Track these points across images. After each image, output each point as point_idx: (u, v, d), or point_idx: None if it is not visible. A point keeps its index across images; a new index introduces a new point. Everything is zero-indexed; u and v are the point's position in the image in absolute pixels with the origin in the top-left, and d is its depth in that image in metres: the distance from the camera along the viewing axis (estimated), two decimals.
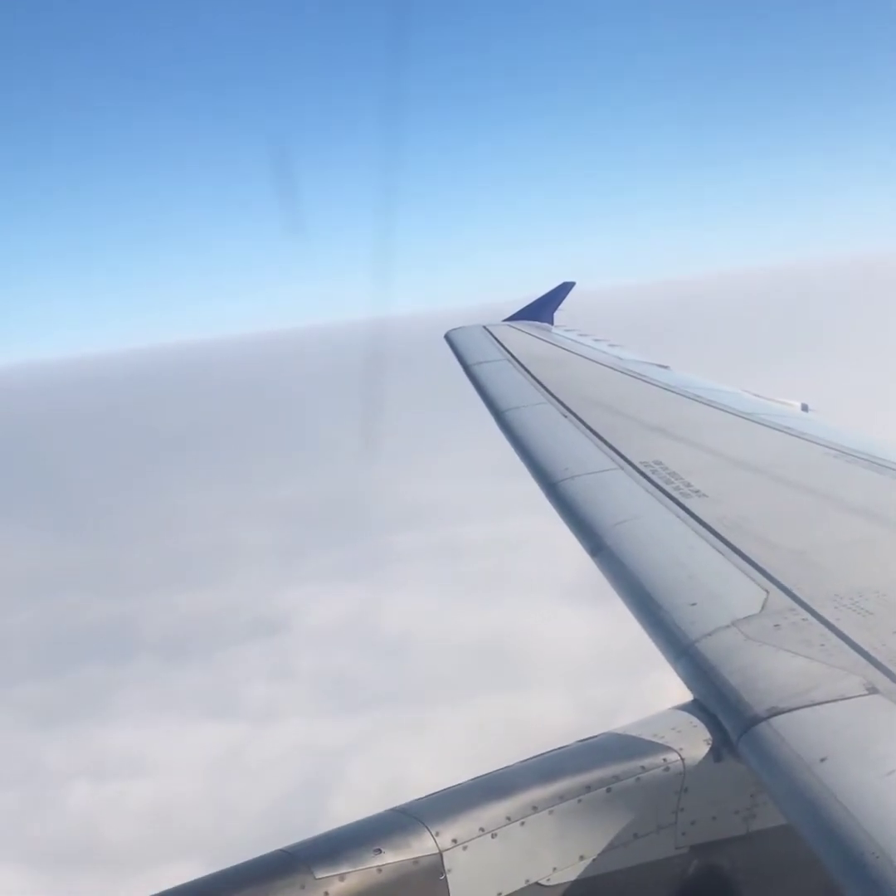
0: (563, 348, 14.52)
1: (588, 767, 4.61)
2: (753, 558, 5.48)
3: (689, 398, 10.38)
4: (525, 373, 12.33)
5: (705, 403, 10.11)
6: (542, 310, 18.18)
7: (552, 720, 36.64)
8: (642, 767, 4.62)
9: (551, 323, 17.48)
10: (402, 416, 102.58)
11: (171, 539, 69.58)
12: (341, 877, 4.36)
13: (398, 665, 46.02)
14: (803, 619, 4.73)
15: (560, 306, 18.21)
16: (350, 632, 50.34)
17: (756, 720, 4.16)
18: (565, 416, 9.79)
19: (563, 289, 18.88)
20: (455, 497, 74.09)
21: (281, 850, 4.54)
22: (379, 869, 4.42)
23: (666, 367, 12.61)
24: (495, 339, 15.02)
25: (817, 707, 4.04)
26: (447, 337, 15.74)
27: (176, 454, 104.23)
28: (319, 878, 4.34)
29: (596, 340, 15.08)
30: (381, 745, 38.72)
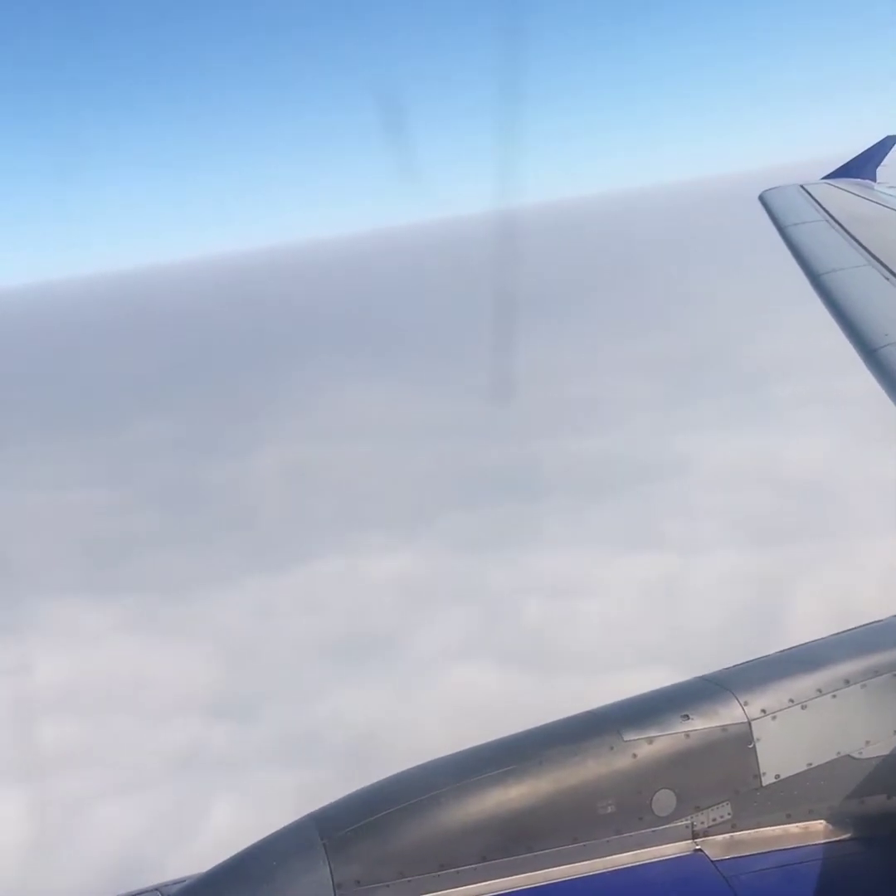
0: (887, 207, 13.71)
1: None
2: None
3: None
4: (844, 233, 11.62)
5: None
6: (863, 166, 17.07)
7: None
8: None
9: (874, 180, 16.45)
10: (725, 278, 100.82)
11: (553, 391, 71.74)
12: (649, 740, 4.54)
13: (813, 503, 46.11)
14: None
15: (883, 162, 17.08)
16: (753, 473, 50.76)
17: None
18: (888, 280, 9.24)
19: (887, 143, 17.59)
20: (808, 351, 72.24)
21: (589, 712, 4.77)
22: (687, 734, 4.57)
23: None
24: (813, 198, 14.16)
25: None
26: (761, 198, 14.92)
27: (534, 313, 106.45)
28: (628, 740, 4.54)
29: None
30: (820, 574, 39.25)
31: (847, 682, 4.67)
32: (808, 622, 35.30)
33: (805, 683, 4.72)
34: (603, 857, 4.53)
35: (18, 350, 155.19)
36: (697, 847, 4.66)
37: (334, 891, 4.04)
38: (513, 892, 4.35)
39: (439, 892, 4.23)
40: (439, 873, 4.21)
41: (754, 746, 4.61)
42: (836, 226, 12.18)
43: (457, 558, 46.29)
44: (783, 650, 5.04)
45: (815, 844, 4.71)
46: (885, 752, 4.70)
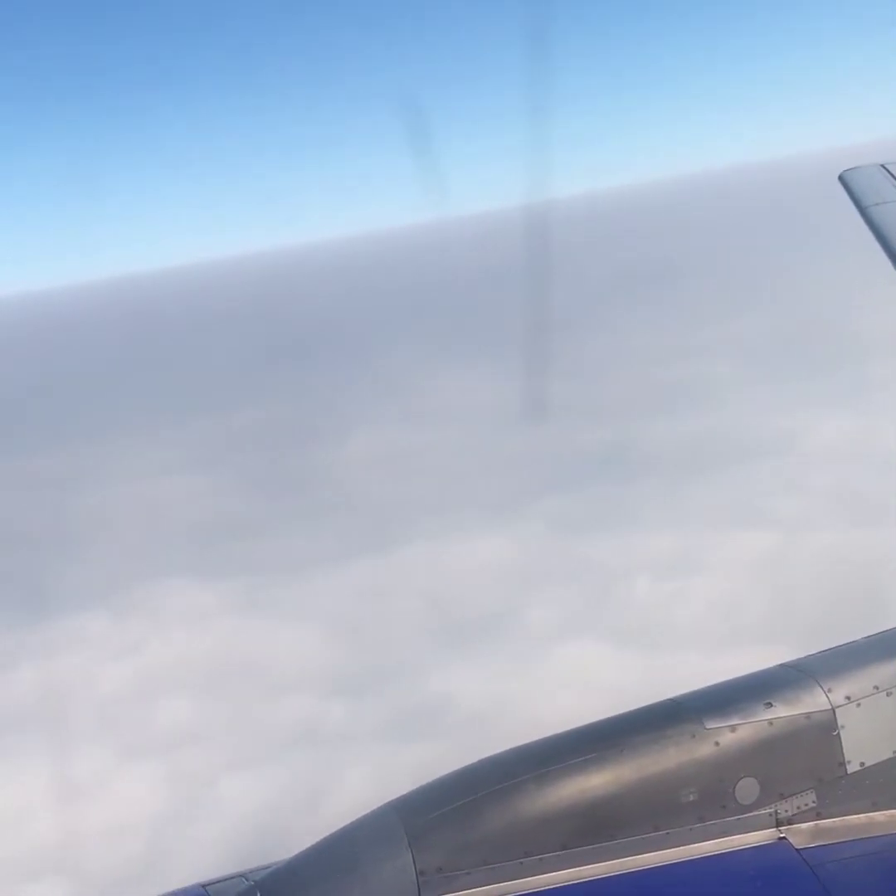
0: None
1: None
2: None
3: None
4: None
5: None
6: None
7: None
8: None
9: None
10: (805, 259, 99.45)
11: (642, 374, 71.65)
12: (732, 728, 4.53)
13: None
14: None
15: None
16: (858, 452, 50.19)
17: None
18: None
19: None
20: None
21: (671, 700, 4.77)
22: (770, 722, 4.56)
23: None
24: (893, 177, 13.62)
25: None
26: (841, 178, 14.37)
27: (618, 298, 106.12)
28: (710, 728, 4.53)
29: None
30: None
31: None
32: None
33: (890, 670, 4.71)
34: (685, 845, 4.53)
35: (106, 344, 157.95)
36: (782, 835, 4.66)
37: (417, 878, 4.05)
38: (595, 879, 4.35)
39: (522, 880, 4.21)
40: (522, 861, 4.22)
41: (838, 734, 4.59)
42: None
43: (560, 539, 46.53)
44: (868, 636, 5.01)
45: None
46: None
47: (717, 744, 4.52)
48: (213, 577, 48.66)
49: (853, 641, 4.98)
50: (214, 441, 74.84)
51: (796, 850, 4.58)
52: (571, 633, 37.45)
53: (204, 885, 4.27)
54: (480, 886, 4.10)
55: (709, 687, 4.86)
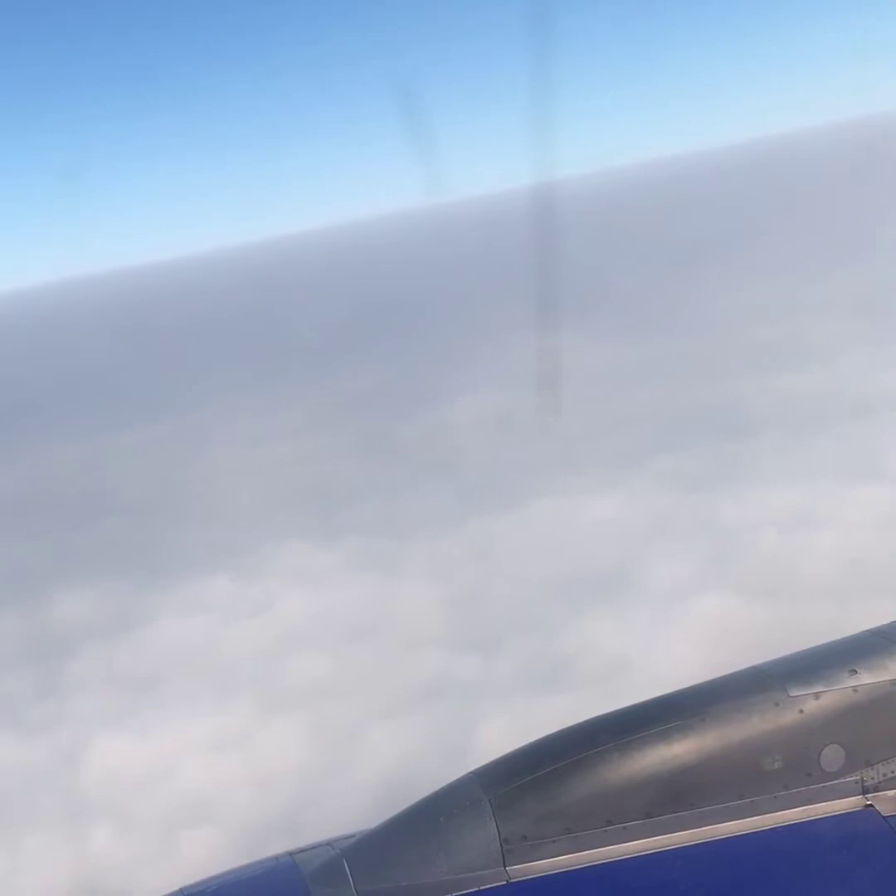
0: None
1: None
2: None
3: None
4: None
5: None
6: None
7: None
8: None
9: None
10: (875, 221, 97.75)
11: (747, 332, 71.05)
12: (816, 695, 4.41)
13: None
14: None
15: None
16: None
17: None
18: None
19: None
20: None
21: (754, 668, 4.65)
22: (855, 689, 4.43)
23: None
24: None
25: None
26: None
27: (704, 261, 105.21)
28: (794, 696, 4.42)
29: None
30: None
31: None
32: None
33: None
34: (770, 813, 4.48)
35: (195, 319, 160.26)
36: (868, 803, 4.57)
37: (501, 846, 4.07)
38: (679, 847, 4.32)
39: (605, 848, 4.20)
40: (605, 829, 4.21)
41: None
42: None
43: (680, 495, 46.53)
44: None
45: None
46: None
47: (801, 711, 4.46)
48: (332, 538, 49.57)
49: None
50: (323, 407, 75.92)
51: (883, 817, 4.52)
52: (699, 586, 37.56)
53: (291, 854, 4.36)
54: (564, 854, 4.13)
55: (792, 654, 4.85)
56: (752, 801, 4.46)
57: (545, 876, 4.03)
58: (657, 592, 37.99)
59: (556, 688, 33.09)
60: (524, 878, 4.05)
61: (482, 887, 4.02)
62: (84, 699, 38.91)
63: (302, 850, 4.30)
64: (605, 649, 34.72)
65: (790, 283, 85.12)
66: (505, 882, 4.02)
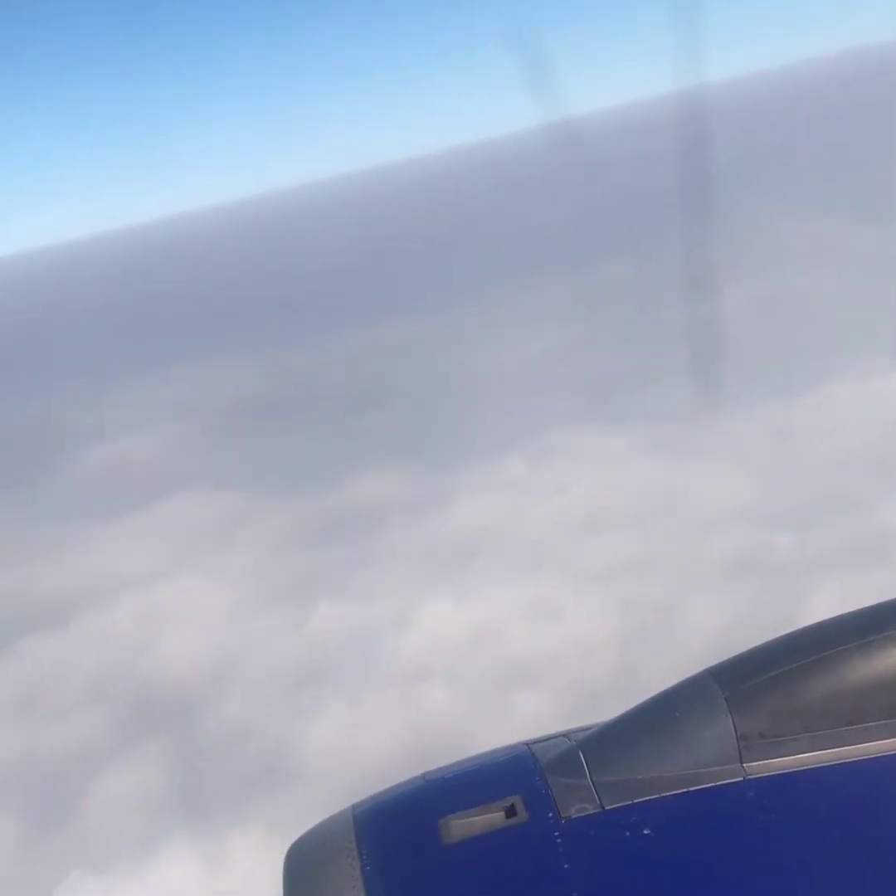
0: None
1: None
2: None
3: None
4: None
5: None
6: None
7: None
8: None
9: None
10: None
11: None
12: None
13: None
14: None
15: None
16: None
17: None
18: None
19: None
20: None
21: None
22: None
23: None
24: None
25: None
26: None
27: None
28: None
29: None
30: None
31: None
32: None
33: None
34: None
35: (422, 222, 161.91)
36: None
37: (738, 742, 3.87)
38: None
39: (847, 747, 3.90)
40: (847, 728, 3.92)
41: None
42: None
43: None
44: None
45: None
46: None
47: None
48: (617, 423, 50.06)
49: None
50: (583, 297, 76.00)
51: None
52: None
53: (528, 744, 4.23)
54: (803, 753, 3.88)
55: None
56: None
57: (783, 774, 3.87)
58: None
59: (878, 564, 32.74)
60: (761, 775, 3.91)
61: (718, 782, 4.23)
62: (401, 569, 41.16)
63: (538, 741, 4.23)
64: None
65: None
66: (742, 778, 3.88)
